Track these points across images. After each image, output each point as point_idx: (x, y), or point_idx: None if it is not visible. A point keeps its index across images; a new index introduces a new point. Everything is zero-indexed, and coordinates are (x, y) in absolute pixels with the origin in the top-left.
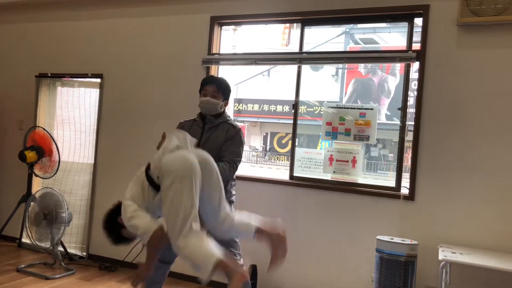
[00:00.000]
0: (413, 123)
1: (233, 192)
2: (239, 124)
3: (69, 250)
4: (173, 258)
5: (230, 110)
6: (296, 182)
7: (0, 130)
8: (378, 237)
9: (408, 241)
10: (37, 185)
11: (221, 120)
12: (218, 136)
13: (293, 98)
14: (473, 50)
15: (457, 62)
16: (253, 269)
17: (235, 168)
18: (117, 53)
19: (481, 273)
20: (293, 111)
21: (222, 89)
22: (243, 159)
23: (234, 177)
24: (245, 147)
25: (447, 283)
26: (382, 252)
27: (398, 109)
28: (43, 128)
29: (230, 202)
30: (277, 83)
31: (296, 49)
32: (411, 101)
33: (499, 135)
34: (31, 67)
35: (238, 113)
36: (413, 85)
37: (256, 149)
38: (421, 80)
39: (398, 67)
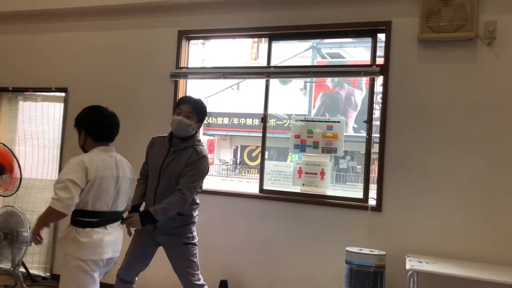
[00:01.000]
0: (378, 135)
1: (195, 214)
2: (204, 151)
3: (31, 271)
4: (134, 277)
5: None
6: (266, 195)
7: None
8: (347, 248)
9: (376, 252)
10: None
11: (187, 144)
12: (180, 161)
13: (262, 111)
14: (433, 65)
15: (418, 76)
16: (224, 284)
17: (187, 199)
18: (82, 67)
19: (447, 281)
20: (262, 124)
21: (197, 110)
22: (213, 172)
23: (197, 200)
24: (215, 161)
25: None
26: (351, 264)
27: (364, 121)
28: (4, 144)
29: (190, 223)
30: (247, 96)
31: (265, 63)
32: (377, 113)
33: (462, 145)
34: None
35: (208, 127)
36: (379, 98)
37: (226, 162)
38: (385, 93)
39: (364, 80)
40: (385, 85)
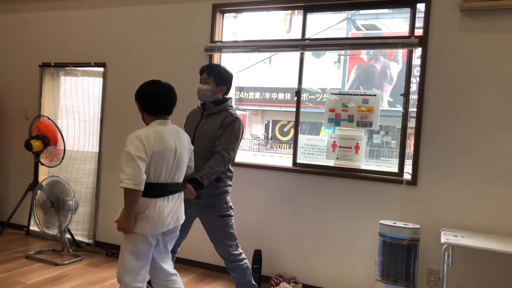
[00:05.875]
0: (415, 109)
1: (228, 182)
2: (239, 112)
3: (76, 237)
4: (175, 248)
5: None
6: (299, 168)
7: (6, 119)
8: (381, 221)
9: (410, 225)
10: (44, 174)
11: (220, 108)
12: (214, 123)
13: (294, 85)
14: (476, 35)
15: (460, 47)
16: (258, 253)
17: (226, 160)
18: (119, 42)
19: (482, 255)
20: (295, 98)
21: (213, 74)
22: (244, 147)
23: (231, 167)
24: (247, 135)
25: (449, 266)
26: (385, 236)
27: (401, 95)
28: (48, 117)
29: (224, 192)
30: (279, 71)
31: (298, 36)
32: (414, 87)
33: (503, 118)
34: (35, 57)
35: (239, 102)
36: (416, 71)
37: (257, 137)
38: (423, 66)
39: (401, 53)
40: (423, 57)
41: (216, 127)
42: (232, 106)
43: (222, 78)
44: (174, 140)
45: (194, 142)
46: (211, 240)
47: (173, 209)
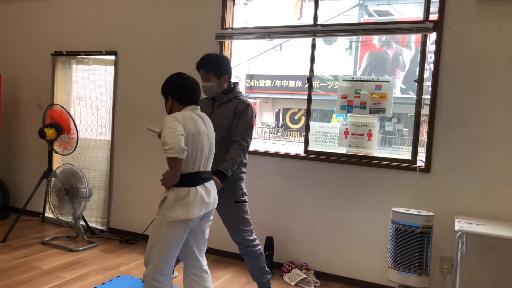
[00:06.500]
0: (429, 96)
1: (243, 169)
2: (250, 100)
3: (90, 224)
4: None
5: (241, 86)
6: (311, 156)
7: (19, 108)
8: (394, 208)
9: (424, 213)
10: (57, 162)
11: (230, 96)
12: (226, 112)
13: (305, 73)
14: (493, 19)
15: (476, 31)
16: (269, 240)
17: (245, 148)
18: (130, 30)
19: (496, 243)
20: (307, 85)
21: (210, 69)
22: (255, 135)
23: (246, 157)
24: (258, 124)
25: (462, 253)
26: (397, 224)
27: (415, 81)
28: (61, 106)
29: (239, 179)
30: (290, 58)
31: (309, 23)
32: (427, 74)
33: None
34: (47, 45)
35: (250, 89)
36: (429, 57)
37: (268, 125)
38: (438, 51)
39: (413, 39)
40: (438, 42)
41: (229, 116)
42: (241, 92)
43: (220, 69)
44: (205, 125)
45: None
46: (226, 225)
47: (210, 191)
